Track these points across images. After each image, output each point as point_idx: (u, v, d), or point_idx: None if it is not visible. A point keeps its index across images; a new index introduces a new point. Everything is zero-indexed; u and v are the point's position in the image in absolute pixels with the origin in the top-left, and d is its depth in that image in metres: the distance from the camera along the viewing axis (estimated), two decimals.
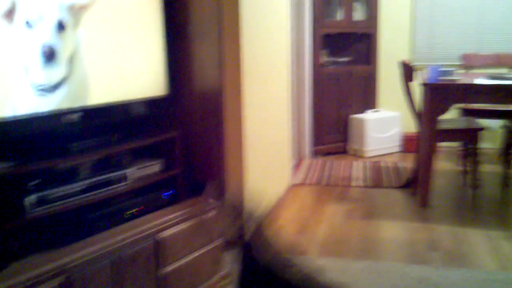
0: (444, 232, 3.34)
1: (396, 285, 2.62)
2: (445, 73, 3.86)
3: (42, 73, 1.87)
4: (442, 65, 4.19)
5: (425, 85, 3.73)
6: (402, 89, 4.13)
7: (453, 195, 4.17)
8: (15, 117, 1.83)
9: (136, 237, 2.14)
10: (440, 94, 3.65)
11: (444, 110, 3.69)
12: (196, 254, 2.45)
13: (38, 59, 1.85)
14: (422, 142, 3.84)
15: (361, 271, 2.73)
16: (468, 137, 3.92)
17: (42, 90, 1.89)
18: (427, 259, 2.95)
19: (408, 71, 3.97)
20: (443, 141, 3.90)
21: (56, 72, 1.92)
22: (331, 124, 5.62)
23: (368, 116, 5.52)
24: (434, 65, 3.98)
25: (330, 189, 4.39)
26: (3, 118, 1.80)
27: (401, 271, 2.79)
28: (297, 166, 5.09)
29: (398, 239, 3.28)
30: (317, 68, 5.42)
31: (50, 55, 1.88)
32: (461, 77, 3.93)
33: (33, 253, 1.87)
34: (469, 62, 5.03)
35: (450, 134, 3.93)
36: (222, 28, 2.46)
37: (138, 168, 2.28)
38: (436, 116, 3.69)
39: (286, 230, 3.44)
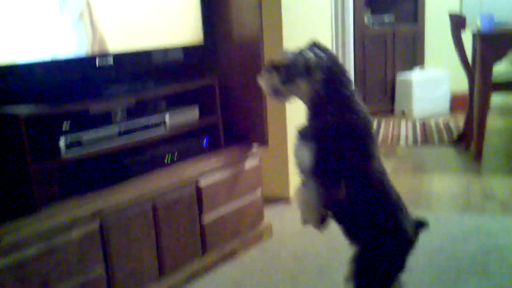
0: (499, 184, 3.16)
1: (452, 233, 2.48)
2: (499, 22, 3.67)
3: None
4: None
5: (478, 34, 3.55)
6: (453, 42, 3.92)
7: (508, 149, 3.96)
8: (52, 59, 1.80)
9: (179, 182, 2.09)
10: (495, 41, 3.48)
11: (498, 58, 3.50)
12: (238, 203, 2.38)
13: None
14: (476, 93, 3.64)
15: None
16: None
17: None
18: (482, 209, 2.79)
19: (458, 22, 3.77)
20: (496, 90, 3.70)
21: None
22: (376, 85, 5.43)
23: (416, 75, 5.30)
24: (487, 14, 3.76)
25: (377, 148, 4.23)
26: (41, 61, 1.77)
27: (457, 219, 2.65)
28: None
29: (452, 191, 3.13)
30: (361, 28, 5.23)
31: None
32: None
33: (69, 196, 1.83)
34: None
35: (504, 85, 3.74)
36: None
37: (178, 114, 2.21)
38: (490, 64, 3.49)
39: None
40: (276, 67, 1.53)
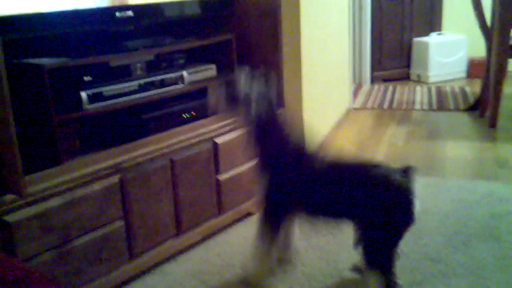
0: None
1: (463, 199, 2.51)
2: None
3: None
4: None
5: None
6: (471, 5, 3.85)
7: None
8: (73, 10, 1.81)
9: (196, 139, 2.11)
10: None
11: None
12: (254, 162, 2.40)
13: None
14: (493, 58, 3.60)
15: (426, 186, 2.63)
16: None
17: None
18: (494, 176, 2.81)
19: None
20: None
21: None
22: (393, 49, 5.38)
23: (432, 39, 5.24)
24: None
25: (392, 113, 4.24)
26: (61, 12, 1.78)
27: (468, 186, 2.67)
28: (356, 91, 4.94)
29: (464, 157, 3.14)
30: None
31: None
32: None
33: (90, 150, 1.86)
34: None
35: None
36: None
37: (196, 70, 2.22)
38: (509, 28, 3.44)
39: (345, 149, 3.36)
40: (232, 90, 1.79)
